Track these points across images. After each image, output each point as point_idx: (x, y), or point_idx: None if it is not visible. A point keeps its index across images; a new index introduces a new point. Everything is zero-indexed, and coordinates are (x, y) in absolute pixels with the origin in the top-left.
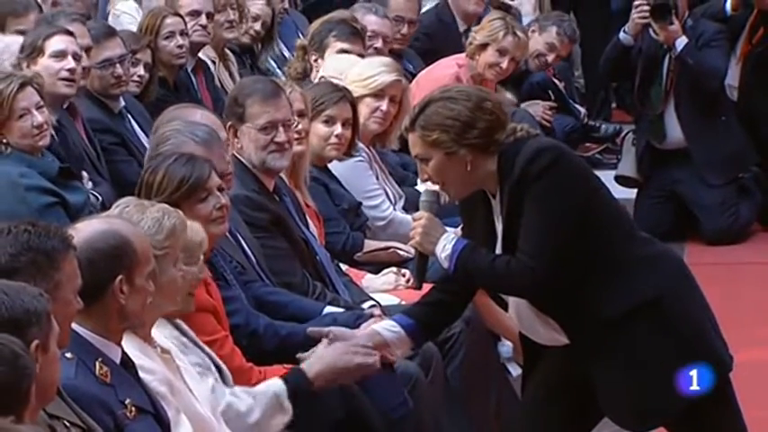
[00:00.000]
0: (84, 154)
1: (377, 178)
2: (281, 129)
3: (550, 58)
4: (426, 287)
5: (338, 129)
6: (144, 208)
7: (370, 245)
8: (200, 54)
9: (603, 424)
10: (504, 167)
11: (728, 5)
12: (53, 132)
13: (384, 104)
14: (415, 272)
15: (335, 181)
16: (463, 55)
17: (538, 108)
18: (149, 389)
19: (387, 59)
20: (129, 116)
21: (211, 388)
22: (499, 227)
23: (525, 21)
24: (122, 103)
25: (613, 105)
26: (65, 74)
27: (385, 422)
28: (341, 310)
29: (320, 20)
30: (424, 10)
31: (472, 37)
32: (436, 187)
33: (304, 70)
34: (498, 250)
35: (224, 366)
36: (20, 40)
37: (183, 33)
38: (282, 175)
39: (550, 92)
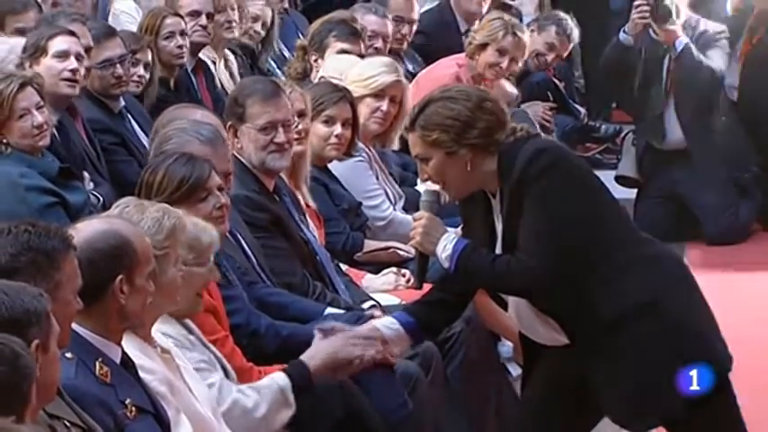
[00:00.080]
0: (84, 154)
1: (377, 178)
2: (280, 129)
3: (550, 57)
4: (427, 287)
5: (338, 129)
6: (144, 208)
7: (370, 245)
8: (200, 54)
9: (604, 424)
10: (504, 167)
11: (728, 6)
12: (54, 132)
13: (384, 105)
14: (416, 272)
15: (335, 181)
16: (463, 55)
17: (538, 108)
18: (149, 389)
19: (387, 59)
20: (130, 116)
21: (218, 384)
22: (499, 227)
23: (526, 20)
24: (122, 104)
25: (613, 105)
26: (67, 74)
27: (385, 423)
28: (341, 311)
29: (320, 20)
30: (424, 10)
31: (472, 37)
32: (436, 187)
33: (304, 70)
34: (498, 250)
35: (229, 366)
36: (23, 41)
37: (183, 33)
38: (282, 175)
39: (550, 92)
